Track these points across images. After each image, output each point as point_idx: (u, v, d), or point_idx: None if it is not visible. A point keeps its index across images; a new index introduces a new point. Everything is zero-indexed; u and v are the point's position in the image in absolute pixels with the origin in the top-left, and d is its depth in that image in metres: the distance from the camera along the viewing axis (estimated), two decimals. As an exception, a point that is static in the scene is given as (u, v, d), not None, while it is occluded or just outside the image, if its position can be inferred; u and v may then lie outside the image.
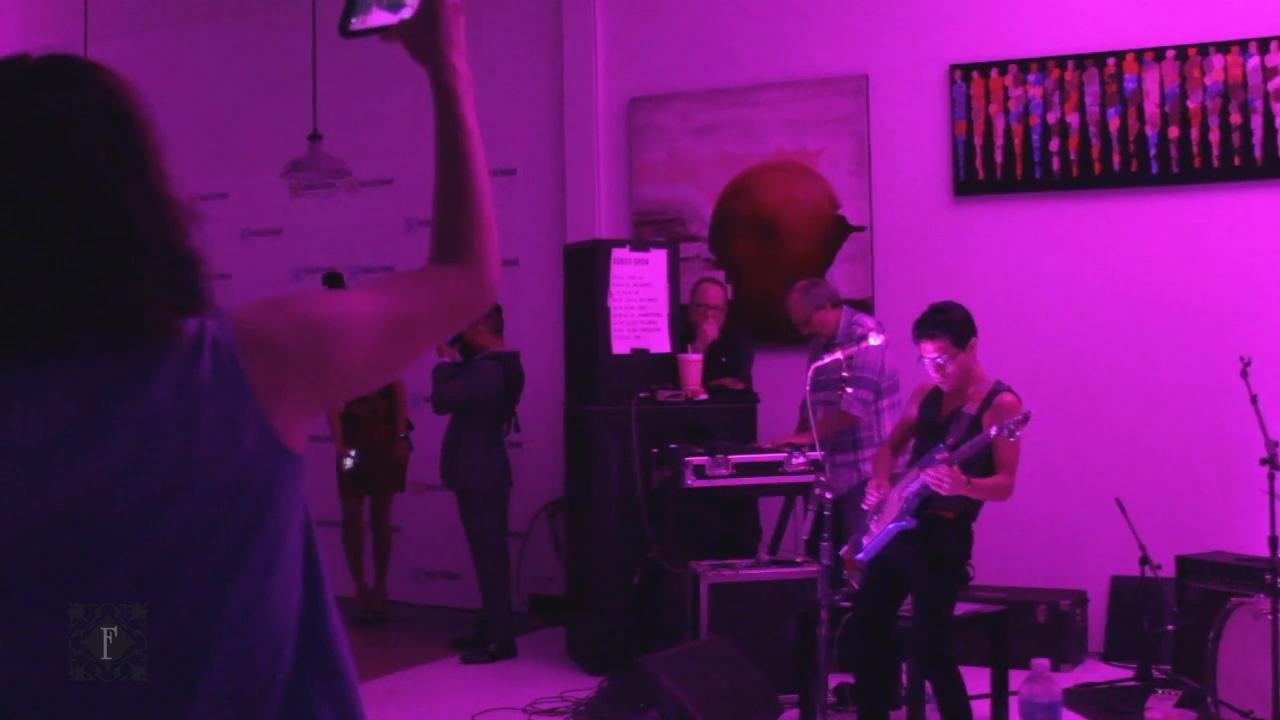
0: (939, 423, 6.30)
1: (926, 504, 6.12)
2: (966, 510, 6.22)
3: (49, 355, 1.65)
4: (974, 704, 6.20)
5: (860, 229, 9.25)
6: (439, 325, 1.91)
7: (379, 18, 2.00)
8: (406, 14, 2.00)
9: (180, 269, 1.68)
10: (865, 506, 6.52)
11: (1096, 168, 8.63)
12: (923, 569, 6.18)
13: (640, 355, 8.52)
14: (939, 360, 6.22)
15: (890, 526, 6.21)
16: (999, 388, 6.21)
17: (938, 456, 6.01)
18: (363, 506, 10.06)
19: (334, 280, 9.80)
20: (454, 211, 1.95)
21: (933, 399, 6.42)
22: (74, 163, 1.63)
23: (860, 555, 6.43)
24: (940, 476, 5.95)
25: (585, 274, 8.62)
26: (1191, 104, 8.40)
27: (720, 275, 9.41)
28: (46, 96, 1.66)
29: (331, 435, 9.70)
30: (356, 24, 1.99)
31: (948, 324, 6.22)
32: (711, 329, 8.78)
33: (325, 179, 10.19)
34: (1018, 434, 5.87)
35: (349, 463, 9.67)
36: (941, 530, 6.17)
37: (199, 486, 1.64)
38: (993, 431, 5.86)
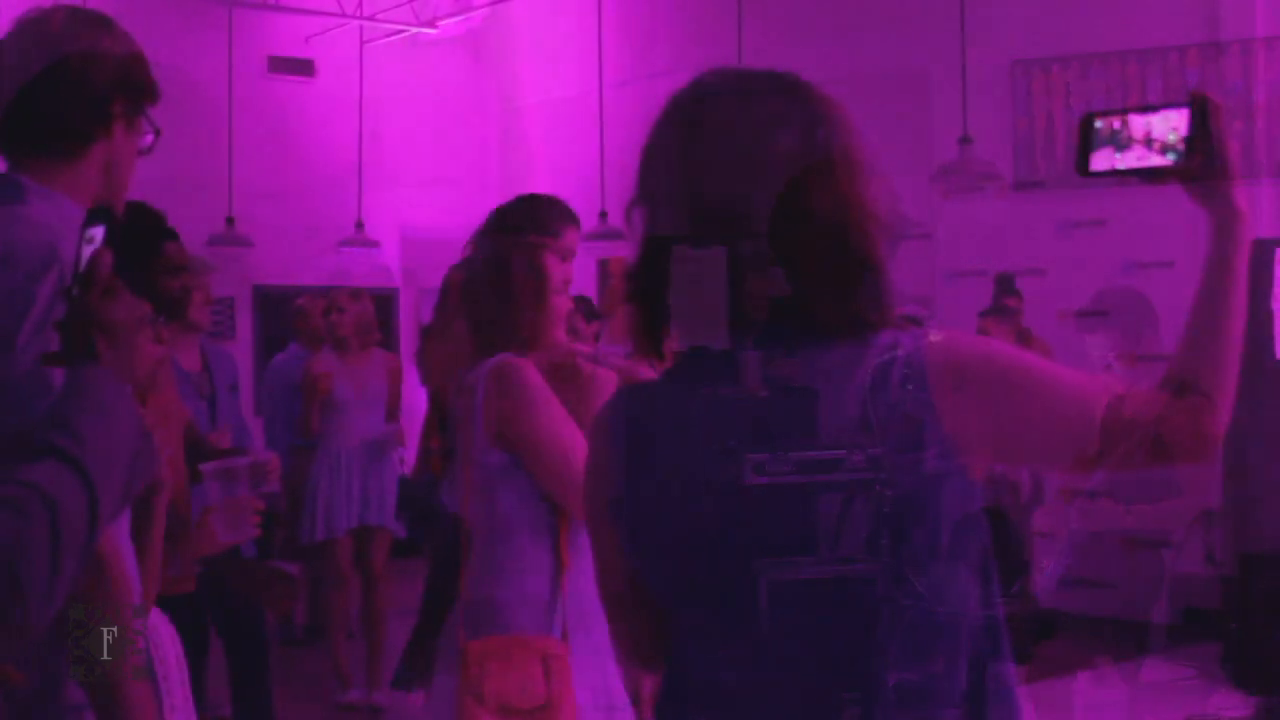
0: None
1: None
2: None
3: (741, 346, 1.73)
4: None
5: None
6: (1133, 448, 1.80)
7: (1136, 156, 1.87)
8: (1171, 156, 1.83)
9: (861, 274, 1.75)
10: None
11: (1159, 163, 8.56)
12: None
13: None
14: None
15: None
16: None
17: None
18: None
19: (1004, 281, 9.51)
20: (1198, 349, 1.94)
21: None
22: (768, 160, 1.76)
23: None
24: None
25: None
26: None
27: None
28: (763, 101, 1.81)
29: None
30: (1099, 165, 1.88)
31: None
32: None
33: (974, 182, 10.00)
34: None
35: None
36: None
37: (875, 495, 1.69)
38: None
